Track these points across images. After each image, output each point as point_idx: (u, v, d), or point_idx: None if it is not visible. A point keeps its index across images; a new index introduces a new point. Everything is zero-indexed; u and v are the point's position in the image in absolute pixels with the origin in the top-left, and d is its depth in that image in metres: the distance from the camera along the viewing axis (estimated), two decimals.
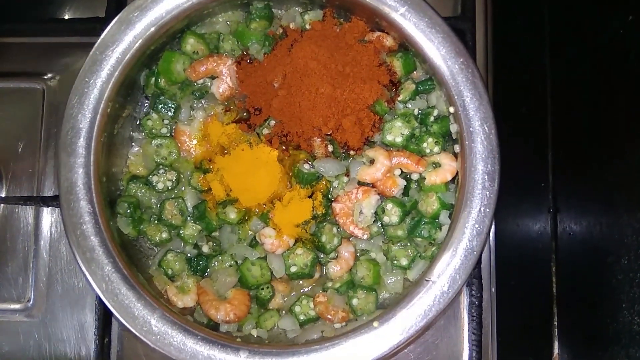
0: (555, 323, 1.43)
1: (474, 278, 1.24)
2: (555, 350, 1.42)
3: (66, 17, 1.47)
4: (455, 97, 1.06)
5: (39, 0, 1.47)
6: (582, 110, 1.35)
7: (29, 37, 1.40)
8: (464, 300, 1.29)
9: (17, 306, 1.33)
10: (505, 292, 1.36)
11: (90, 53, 1.06)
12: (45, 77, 1.40)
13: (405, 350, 1.28)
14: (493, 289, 1.34)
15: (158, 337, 1.01)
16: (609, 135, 1.24)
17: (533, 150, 1.51)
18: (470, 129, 1.05)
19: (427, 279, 1.03)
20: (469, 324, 1.25)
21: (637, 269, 1.12)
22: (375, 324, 1.03)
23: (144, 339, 1.01)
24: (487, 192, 1.03)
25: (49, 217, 1.35)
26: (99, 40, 1.06)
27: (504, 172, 1.42)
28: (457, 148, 1.13)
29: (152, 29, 1.08)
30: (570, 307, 1.39)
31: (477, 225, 1.02)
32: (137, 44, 1.07)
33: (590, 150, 1.32)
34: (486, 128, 1.04)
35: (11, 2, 1.43)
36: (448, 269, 1.03)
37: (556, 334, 1.42)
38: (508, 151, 1.45)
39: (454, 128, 1.13)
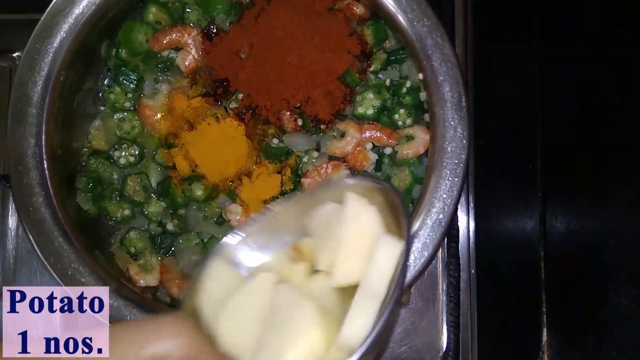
0: (544, 309, 1.38)
1: (451, 257, 1.20)
2: (544, 337, 1.37)
3: None
4: (424, 61, 1.01)
5: None
6: (573, 89, 1.31)
7: None
8: (443, 282, 1.25)
9: None
10: (489, 275, 1.32)
11: (41, 19, 1.01)
12: (13, 55, 1.34)
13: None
14: (473, 271, 1.30)
15: (111, 313, 0.97)
16: (599, 116, 1.20)
17: (522, 131, 1.46)
18: (439, 95, 1.00)
19: None
20: (446, 305, 1.21)
21: (624, 248, 1.08)
22: None
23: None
24: (456, 160, 0.98)
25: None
26: (50, 6, 1.02)
27: (491, 153, 1.39)
28: (427, 117, 1.08)
29: None
30: (560, 292, 1.34)
31: (444, 196, 0.98)
32: (91, 10, 1.03)
33: (579, 132, 1.28)
34: (456, 94, 1.00)
35: None
36: (415, 242, 0.98)
37: (545, 320, 1.38)
38: (495, 132, 1.42)
39: (423, 96, 1.08)
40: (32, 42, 1.01)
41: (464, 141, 0.98)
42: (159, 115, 1.18)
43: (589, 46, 1.23)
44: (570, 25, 1.32)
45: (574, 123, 1.29)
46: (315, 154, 1.16)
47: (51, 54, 1.01)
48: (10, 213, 1.31)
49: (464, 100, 0.99)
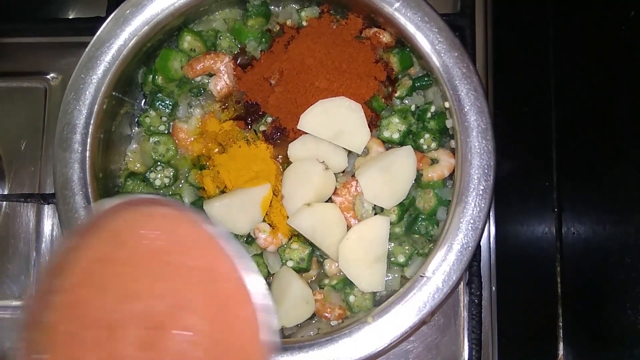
0: (560, 324, 1.41)
1: (473, 276, 1.23)
2: (560, 352, 1.39)
3: (70, 17, 1.48)
4: (450, 91, 1.05)
5: (42, 0, 1.48)
6: (587, 108, 1.34)
7: (31, 37, 1.42)
8: (464, 299, 1.28)
9: (19, 303, 1.33)
10: (508, 292, 1.35)
11: (86, 50, 1.07)
12: (47, 76, 1.41)
13: (407, 349, 1.28)
14: (494, 288, 1.33)
15: None
16: (613, 134, 1.22)
17: (537, 148, 1.49)
18: (465, 123, 1.04)
19: (421, 274, 1.02)
20: (468, 322, 1.24)
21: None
22: (369, 319, 1.02)
23: None
24: (482, 187, 1.01)
25: (50, 215, 1.36)
26: (94, 38, 1.07)
27: (508, 171, 1.42)
28: (453, 144, 1.12)
29: (147, 26, 1.08)
30: (576, 307, 1.37)
31: (472, 221, 1.01)
32: (132, 41, 1.08)
33: (594, 149, 1.30)
34: (482, 123, 1.03)
35: (14, 2, 1.45)
36: (443, 264, 1.02)
37: (561, 335, 1.40)
38: (511, 150, 1.45)
39: (449, 123, 1.12)
40: (77, 73, 1.06)
41: (490, 168, 1.02)
42: (192, 138, 1.23)
43: (603, 71, 1.26)
44: (584, 50, 1.35)
45: (589, 141, 1.32)
46: (341, 174, 1.20)
47: (95, 84, 1.06)
48: (45, 232, 1.36)
49: (489, 129, 1.03)
